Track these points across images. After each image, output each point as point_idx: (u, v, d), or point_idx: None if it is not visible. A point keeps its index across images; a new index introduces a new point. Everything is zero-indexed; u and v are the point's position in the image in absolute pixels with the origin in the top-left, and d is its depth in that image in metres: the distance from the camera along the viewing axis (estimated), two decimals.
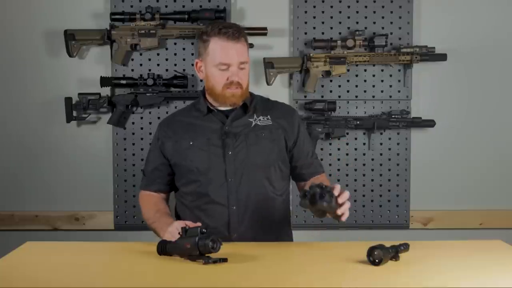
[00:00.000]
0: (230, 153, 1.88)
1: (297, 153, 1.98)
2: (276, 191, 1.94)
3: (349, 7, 2.76)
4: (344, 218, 1.63)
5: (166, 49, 2.76)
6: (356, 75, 2.78)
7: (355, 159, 2.80)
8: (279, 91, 2.74)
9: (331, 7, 2.76)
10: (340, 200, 1.60)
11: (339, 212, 1.61)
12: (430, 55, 2.70)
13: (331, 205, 1.57)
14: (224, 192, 1.87)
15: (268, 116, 1.95)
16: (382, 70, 2.77)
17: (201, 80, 2.76)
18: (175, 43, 2.75)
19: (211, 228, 1.80)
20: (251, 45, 2.05)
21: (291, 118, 1.99)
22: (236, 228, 1.87)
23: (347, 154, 2.79)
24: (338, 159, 2.79)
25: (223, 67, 1.85)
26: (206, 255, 1.49)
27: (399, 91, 2.78)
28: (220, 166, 1.88)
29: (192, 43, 2.74)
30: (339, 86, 2.78)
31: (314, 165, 2.02)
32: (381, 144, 2.79)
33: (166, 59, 2.76)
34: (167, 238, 1.69)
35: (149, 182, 2.02)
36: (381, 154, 2.79)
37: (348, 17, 2.76)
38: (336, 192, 1.60)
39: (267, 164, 1.91)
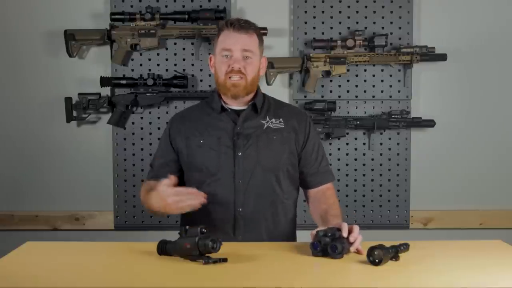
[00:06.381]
0: (240, 154, 1.85)
1: (304, 158, 1.94)
2: (284, 194, 1.91)
3: (349, 7, 2.76)
4: (354, 250, 1.60)
5: (166, 49, 2.76)
6: (356, 75, 2.78)
7: (355, 159, 2.80)
8: (279, 91, 2.74)
9: (331, 7, 2.76)
10: (351, 239, 1.57)
11: (352, 249, 1.58)
12: (430, 55, 2.70)
13: (346, 251, 1.56)
14: (232, 193, 1.85)
15: (281, 119, 1.93)
16: (382, 70, 2.77)
17: (201, 80, 2.77)
18: (175, 43, 2.75)
19: (217, 229, 1.79)
20: (264, 32, 1.99)
21: (303, 122, 1.95)
22: (241, 230, 1.85)
23: (347, 154, 2.79)
24: (338, 159, 2.79)
25: (225, 53, 1.84)
26: (206, 255, 1.49)
27: (399, 91, 2.78)
28: (229, 167, 1.85)
29: (192, 43, 2.74)
30: (339, 86, 2.78)
31: (322, 174, 1.96)
32: (381, 144, 2.79)
33: (166, 59, 2.76)
34: (158, 200, 1.71)
35: (157, 175, 1.92)
36: (381, 154, 2.79)
37: (348, 17, 2.76)
38: (344, 234, 1.57)
39: (277, 168, 1.89)
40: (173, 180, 1.70)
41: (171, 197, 1.67)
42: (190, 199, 1.66)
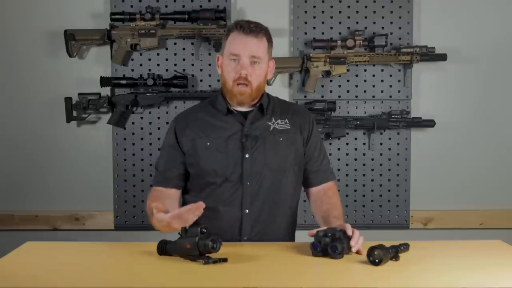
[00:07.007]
0: (247, 156, 1.85)
1: (307, 155, 1.94)
2: (289, 195, 1.91)
3: (349, 7, 2.76)
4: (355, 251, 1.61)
5: (166, 49, 2.76)
6: (356, 75, 2.78)
7: (355, 159, 2.80)
8: (279, 91, 2.73)
9: (331, 7, 2.76)
10: (352, 243, 1.58)
11: (354, 250, 1.59)
12: (430, 55, 2.70)
13: (346, 251, 1.56)
14: (239, 195, 1.84)
15: (286, 120, 1.92)
16: (382, 70, 2.77)
17: (205, 83, 2.76)
18: (175, 43, 2.75)
19: (223, 230, 1.79)
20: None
21: (307, 120, 1.95)
22: (247, 231, 1.85)
23: (347, 154, 2.79)
24: (338, 159, 2.79)
25: (233, 57, 1.83)
26: (206, 255, 1.49)
27: (399, 91, 2.78)
28: (237, 169, 1.84)
29: (192, 43, 2.74)
30: (339, 86, 2.78)
31: (323, 172, 1.96)
32: (381, 144, 2.79)
33: (166, 59, 2.76)
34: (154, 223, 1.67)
35: (164, 179, 1.91)
36: (381, 154, 2.79)
37: (348, 17, 2.76)
38: (349, 232, 1.59)
39: (284, 169, 1.88)
40: (174, 196, 1.88)
41: (174, 221, 1.60)
42: (192, 213, 1.60)
